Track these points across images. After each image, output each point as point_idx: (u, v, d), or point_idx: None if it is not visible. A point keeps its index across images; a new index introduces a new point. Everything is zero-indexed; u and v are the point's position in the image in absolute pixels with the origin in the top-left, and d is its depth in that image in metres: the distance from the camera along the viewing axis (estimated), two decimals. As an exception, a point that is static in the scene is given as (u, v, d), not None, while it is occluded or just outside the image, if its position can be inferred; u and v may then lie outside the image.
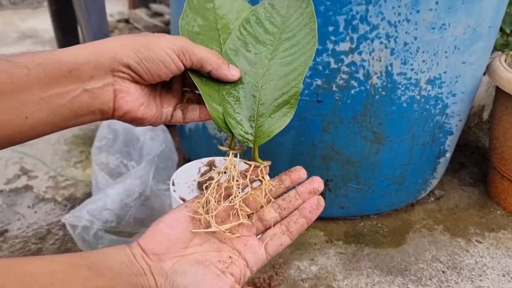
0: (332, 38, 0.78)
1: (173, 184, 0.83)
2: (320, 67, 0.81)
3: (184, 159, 1.17)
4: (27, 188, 1.11)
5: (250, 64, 0.46)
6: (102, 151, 1.02)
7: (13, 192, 1.09)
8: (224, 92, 0.45)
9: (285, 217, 0.44)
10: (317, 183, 0.45)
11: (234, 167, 0.44)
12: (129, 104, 0.39)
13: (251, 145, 0.45)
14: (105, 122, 1.08)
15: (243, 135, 0.44)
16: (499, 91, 1.03)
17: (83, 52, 0.37)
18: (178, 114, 0.45)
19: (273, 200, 0.45)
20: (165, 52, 0.39)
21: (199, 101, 0.47)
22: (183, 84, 0.47)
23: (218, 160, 0.92)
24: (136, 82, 0.40)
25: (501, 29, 1.16)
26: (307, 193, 0.44)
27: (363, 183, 0.95)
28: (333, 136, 0.88)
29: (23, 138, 0.36)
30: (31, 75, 0.34)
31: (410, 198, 1.06)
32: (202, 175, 0.91)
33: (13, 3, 2.61)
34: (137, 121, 0.42)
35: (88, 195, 1.07)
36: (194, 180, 0.87)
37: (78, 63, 0.36)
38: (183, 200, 0.81)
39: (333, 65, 0.81)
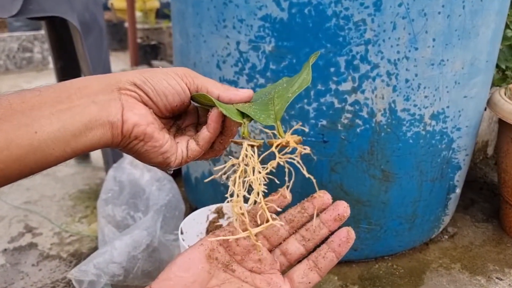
0: (334, 78, 0.80)
1: (181, 233, 0.81)
2: (324, 108, 0.82)
3: (191, 209, 1.16)
4: (32, 245, 1.08)
5: (263, 96, 0.46)
6: (108, 203, 1.00)
7: (17, 250, 1.06)
8: (239, 104, 0.43)
9: (311, 250, 0.42)
10: (342, 208, 0.41)
11: (253, 156, 0.39)
12: (136, 117, 0.38)
13: (272, 123, 0.40)
14: (110, 175, 1.08)
15: (263, 117, 0.41)
16: (502, 124, 1.04)
17: (93, 77, 0.39)
18: (192, 144, 0.43)
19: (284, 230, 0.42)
20: (169, 73, 0.40)
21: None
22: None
23: (226, 206, 0.90)
24: (144, 103, 0.40)
25: (497, 65, 1.18)
26: (332, 221, 0.41)
27: (374, 223, 0.93)
28: (341, 175, 0.88)
29: (32, 162, 0.34)
30: (42, 96, 0.35)
31: (423, 236, 1.03)
32: (210, 222, 0.89)
33: (19, 66, 2.69)
34: (150, 141, 0.39)
35: (94, 250, 1.04)
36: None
37: (87, 81, 0.38)
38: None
39: (337, 105, 0.81)
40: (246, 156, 0.39)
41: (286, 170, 0.42)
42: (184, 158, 0.42)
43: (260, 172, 0.38)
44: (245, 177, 0.38)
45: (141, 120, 0.39)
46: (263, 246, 0.42)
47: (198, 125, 0.46)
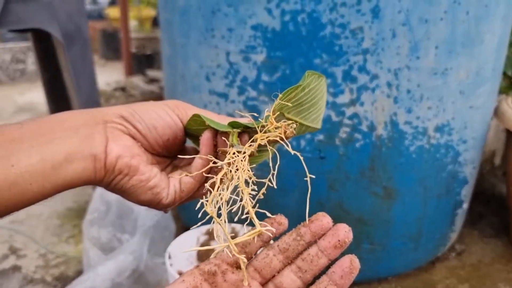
0: (331, 90, 0.74)
1: (169, 257, 0.76)
2: (320, 121, 0.76)
3: (183, 228, 1.10)
4: (15, 268, 1.03)
5: None
6: (93, 224, 0.95)
7: (0, 274, 1.01)
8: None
9: (309, 282, 0.36)
10: (343, 233, 0.35)
11: (242, 158, 0.35)
12: (120, 148, 0.36)
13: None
14: (97, 193, 1.02)
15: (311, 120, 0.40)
16: (510, 135, 0.98)
17: (78, 110, 0.37)
18: (185, 177, 0.39)
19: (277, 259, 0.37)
20: (159, 105, 0.39)
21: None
22: None
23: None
24: (131, 136, 0.37)
25: (503, 73, 1.13)
26: (331, 248, 0.35)
27: (377, 243, 0.87)
28: (340, 193, 0.82)
29: (6, 198, 0.32)
30: (23, 129, 0.33)
31: (429, 255, 0.97)
32: (201, 245, 0.83)
33: (12, 78, 2.64)
34: (136, 174, 0.37)
35: (80, 273, 0.99)
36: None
37: (71, 114, 0.36)
38: (181, 274, 0.74)
39: (334, 118, 0.76)
40: (234, 162, 0.35)
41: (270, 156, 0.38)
42: (177, 193, 0.39)
43: (250, 178, 0.35)
44: (230, 180, 0.35)
45: (125, 151, 0.36)
46: (254, 279, 0.37)
47: None
